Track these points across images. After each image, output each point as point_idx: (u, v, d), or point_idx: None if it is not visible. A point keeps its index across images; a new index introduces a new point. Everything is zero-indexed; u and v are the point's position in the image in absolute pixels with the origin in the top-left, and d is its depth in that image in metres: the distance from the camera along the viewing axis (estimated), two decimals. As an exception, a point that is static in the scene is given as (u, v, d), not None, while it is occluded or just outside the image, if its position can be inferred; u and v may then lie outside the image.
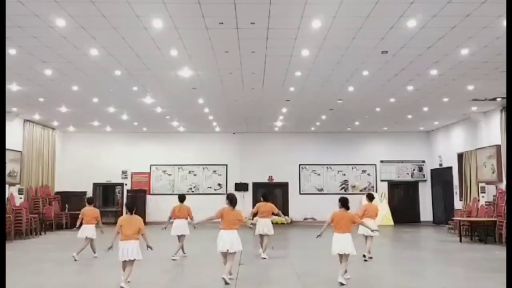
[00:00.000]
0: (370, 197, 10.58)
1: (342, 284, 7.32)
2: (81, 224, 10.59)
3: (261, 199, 10.89)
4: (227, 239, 7.40)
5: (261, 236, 10.46)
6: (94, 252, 10.40)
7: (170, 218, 10.44)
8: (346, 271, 7.61)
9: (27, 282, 7.82)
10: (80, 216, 10.73)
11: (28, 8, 6.91)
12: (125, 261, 7.13)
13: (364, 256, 9.88)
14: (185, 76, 10.91)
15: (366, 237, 10.19)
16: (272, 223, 10.80)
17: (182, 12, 7.22)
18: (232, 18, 7.37)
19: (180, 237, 10.28)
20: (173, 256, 9.97)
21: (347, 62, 9.84)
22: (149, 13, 7.22)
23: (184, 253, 10.47)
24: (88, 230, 10.39)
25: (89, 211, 10.77)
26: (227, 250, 7.38)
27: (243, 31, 7.98)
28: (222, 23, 7.61)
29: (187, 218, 10.42)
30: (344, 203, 7.88)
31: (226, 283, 7.17)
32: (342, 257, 7.61)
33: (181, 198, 10.65)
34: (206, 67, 10.32)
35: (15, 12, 6.98)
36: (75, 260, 9.71)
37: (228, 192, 12.05)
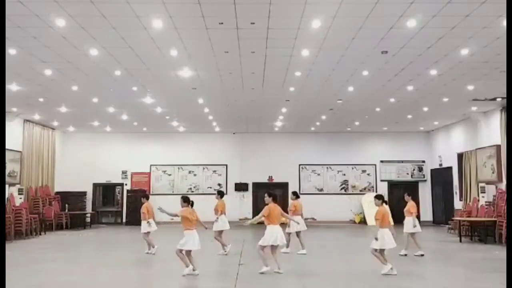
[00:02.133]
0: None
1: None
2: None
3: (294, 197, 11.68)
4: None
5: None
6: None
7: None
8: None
9: (27, 282, 7.82)
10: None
11: (28, 8, 6.90)
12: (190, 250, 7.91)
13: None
14: (185, 76, 10.91)
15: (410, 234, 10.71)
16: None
17: (182, 12, 7.22)
18: (232, 18, 7.37)
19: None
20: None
21: (347, 62, 9.84)
22: (149, 13, 7.22)
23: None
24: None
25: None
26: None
27: (243, 31, 7.98)
28: (222, 23, 7.60)
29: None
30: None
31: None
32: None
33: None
34: (206, 67, 10.31)
35: (15, 12, 6.98)
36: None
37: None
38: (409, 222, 10.96)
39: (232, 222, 11.89)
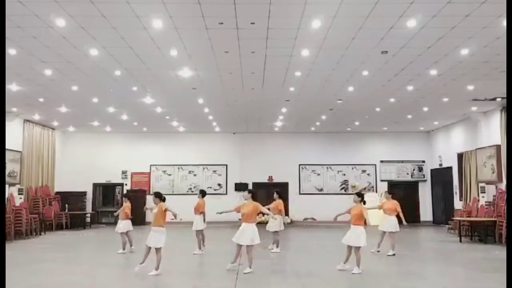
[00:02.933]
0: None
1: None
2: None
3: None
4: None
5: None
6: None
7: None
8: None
9: (27, 282, 7.82)
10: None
11: (28, 8, 6.91)
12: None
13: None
14: (185, 76, 10.91)
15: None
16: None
17: (182, 12, 7.22)
18: (232, 18, 7.37)
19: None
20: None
21: (347, 62, 9.84)
22: (149, 13, 7.22)
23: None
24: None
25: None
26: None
27: (243, 31, 7.98)
28: (222, 23, 7.61)
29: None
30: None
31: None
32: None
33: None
34: (206, 67, 10.31)
35: (15, 12, 6.98)
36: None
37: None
38: (391, 221, 10.91)
39: (232, 222, 11.90)
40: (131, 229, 11.20)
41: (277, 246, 11.18)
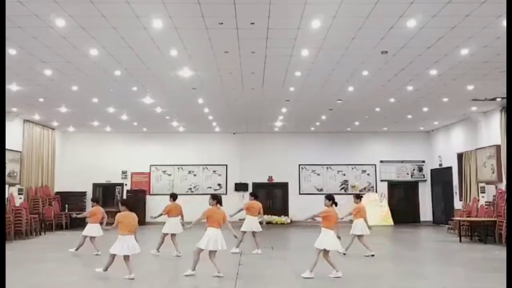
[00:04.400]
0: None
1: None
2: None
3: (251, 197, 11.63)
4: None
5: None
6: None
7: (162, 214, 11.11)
8: None
9: (27, 282, 7.82)
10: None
11: (28, 8, 6.90)
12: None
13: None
14: (185, 76, 10.91)
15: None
16: (271, 223, 11.21)
17: (182, 12, 7.22)
18: (232, 18, 7.37)
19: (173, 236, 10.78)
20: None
21: (347, 62, 9.84)
22: (149, 13, 7.22)
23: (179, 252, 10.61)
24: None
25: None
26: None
27: (243, 31, 7.98)
28: (222, 23, 7.60)
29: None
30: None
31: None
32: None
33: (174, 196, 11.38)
34: (206, 67, 10.31)
35: (15, 12, 6.98)
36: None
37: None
38: (359, 224, 10.81)
39: (232, 222, 11.89)
40: (96, 235, 10.97)
41: (237, 246, 10.91)
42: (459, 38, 8.28)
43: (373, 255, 10.29)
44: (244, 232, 11.06)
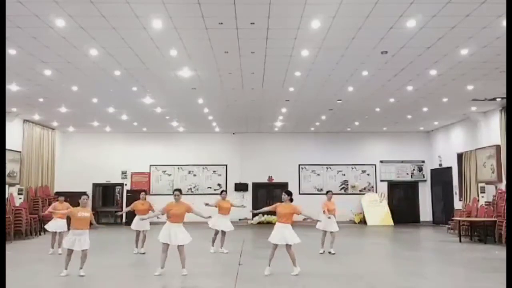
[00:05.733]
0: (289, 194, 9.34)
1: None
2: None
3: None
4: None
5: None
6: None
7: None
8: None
9: (26, 282, 7.81)
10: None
11: (27, 9, 6.90)
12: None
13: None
14: (184, 76, 10.91)
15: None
16: (271, 223, 11.18)
17: (181, 12, 7.22)
18: (231, 18, 7.37)
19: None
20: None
21: (346, 62, 9.84)
22: (149, 13, 7.22)
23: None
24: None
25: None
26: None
27: (243, 31, 7.98)
28: (221, 23, 7.60)
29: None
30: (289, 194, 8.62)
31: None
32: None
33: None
34: (205, 67, 10.31)
35: (14, 12, 6.98)
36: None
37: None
38: (331, 221, 11.04)
39: (232, 222, 11.92)
40: (65, 230, 10.94)
41: (221, 246, 11.19)
42: (459, 38, 8.28)
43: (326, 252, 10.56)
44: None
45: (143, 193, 12.07)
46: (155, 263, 8.36)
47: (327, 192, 11.82)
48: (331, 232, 11.03)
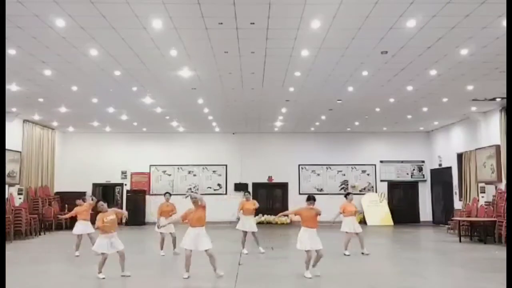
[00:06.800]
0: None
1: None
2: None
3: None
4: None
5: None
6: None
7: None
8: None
9: (26, 282, 7.82)
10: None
11: (27, 9, 6.90)
12: None
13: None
14: (184, 76, 10.90)
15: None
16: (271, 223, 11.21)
17: (181, 12, 7.22)
18: (231, 18, 7.37)
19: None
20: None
21: (346, 62, 9.84)
22: (149, 13, 7.22)
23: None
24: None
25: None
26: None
27: (243, 31, 7.98)
28: (221, 23, 7.60)
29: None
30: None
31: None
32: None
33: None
34: (205, 67, 10.31)
35: (14, 12, 6.98)
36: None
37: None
38: (352, 221, 11.09)
39: (232, 222, 11.92)
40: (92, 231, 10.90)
41: (258, 245, 11.21)
42: (459, 38, 8.28)
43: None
44: None
45: (167, 194, 11.71)
46: (155, 265, 8.36)
47: (348, 193, 11.89)
48: (356, 234, 10.94)
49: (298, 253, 11.25)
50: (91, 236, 10.60)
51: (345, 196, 11.72)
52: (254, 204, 11.36)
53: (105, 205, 8.52)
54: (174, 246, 10.74)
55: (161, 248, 10.83)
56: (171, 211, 11.17)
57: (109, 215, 8.32)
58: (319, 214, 8.34)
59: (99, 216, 8.27)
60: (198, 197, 8.12)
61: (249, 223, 11.18)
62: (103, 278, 7.93)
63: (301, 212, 8.45)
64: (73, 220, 11.89)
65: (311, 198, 8.41)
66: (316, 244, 8.04)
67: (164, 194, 11.74)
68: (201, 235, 7.94)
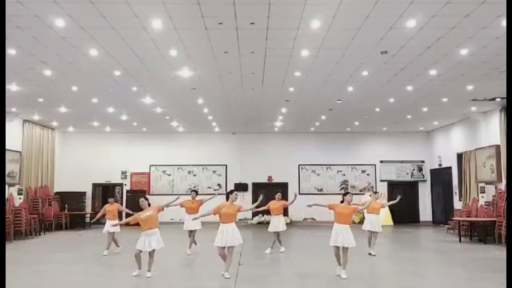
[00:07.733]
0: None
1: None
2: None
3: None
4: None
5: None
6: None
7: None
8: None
9: (26, 282, 7.82)
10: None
11: (27, 9, 6.90)
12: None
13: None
14: (184, 76, 10.90)
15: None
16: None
17: (181, 12, 7.22)
18: (231, 18, 7.37)
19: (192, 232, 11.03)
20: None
21: (346, 62, 9.84)
22: (149, 13, 7.22)
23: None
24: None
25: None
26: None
27: (243, 31, 7.98)
28: (221, 23, 7.60)
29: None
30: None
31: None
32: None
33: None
34: (205, 67, 10.31)
35: (14, 12, 6.98)
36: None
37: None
38: (378, 220, 11.25)
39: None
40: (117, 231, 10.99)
41: (281, 245, 11.28)
42: (459, 38, 8.28)
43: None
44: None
45: (193, 192, 11.68)
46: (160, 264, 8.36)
47: (375, 192, 12.31)
48: (373, 232, 10.97)
49: (298, 253, 11.26)
50: (115, 238, 10.92)
51: (343, 196, 11.67)
52: (282, 203, 11.52)
53: (146, 202, 8.48)
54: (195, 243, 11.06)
55: (189, 247, 11.01)
56: (197, 207, 11.20)
57: (147, 211, 8.31)
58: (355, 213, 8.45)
59: (137, 214, 8.36)
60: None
61: (279, 223, 11.26)
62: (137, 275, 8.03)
63: (334, 207, 8.43)
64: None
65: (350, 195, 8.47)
66: (347, 241, 8.07)
67: (191, 192, 11.83)
68: (234, 231, 8.04)
